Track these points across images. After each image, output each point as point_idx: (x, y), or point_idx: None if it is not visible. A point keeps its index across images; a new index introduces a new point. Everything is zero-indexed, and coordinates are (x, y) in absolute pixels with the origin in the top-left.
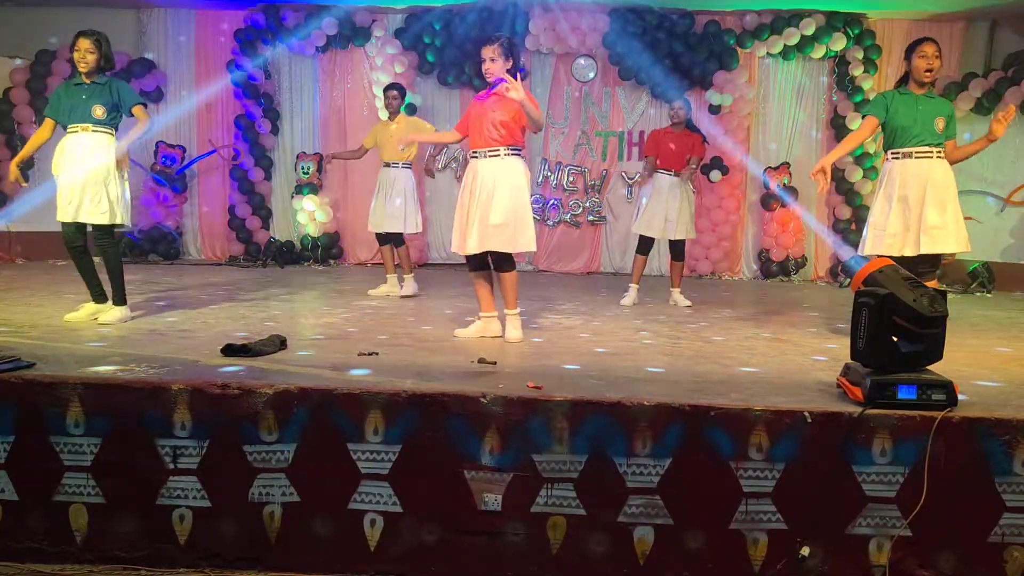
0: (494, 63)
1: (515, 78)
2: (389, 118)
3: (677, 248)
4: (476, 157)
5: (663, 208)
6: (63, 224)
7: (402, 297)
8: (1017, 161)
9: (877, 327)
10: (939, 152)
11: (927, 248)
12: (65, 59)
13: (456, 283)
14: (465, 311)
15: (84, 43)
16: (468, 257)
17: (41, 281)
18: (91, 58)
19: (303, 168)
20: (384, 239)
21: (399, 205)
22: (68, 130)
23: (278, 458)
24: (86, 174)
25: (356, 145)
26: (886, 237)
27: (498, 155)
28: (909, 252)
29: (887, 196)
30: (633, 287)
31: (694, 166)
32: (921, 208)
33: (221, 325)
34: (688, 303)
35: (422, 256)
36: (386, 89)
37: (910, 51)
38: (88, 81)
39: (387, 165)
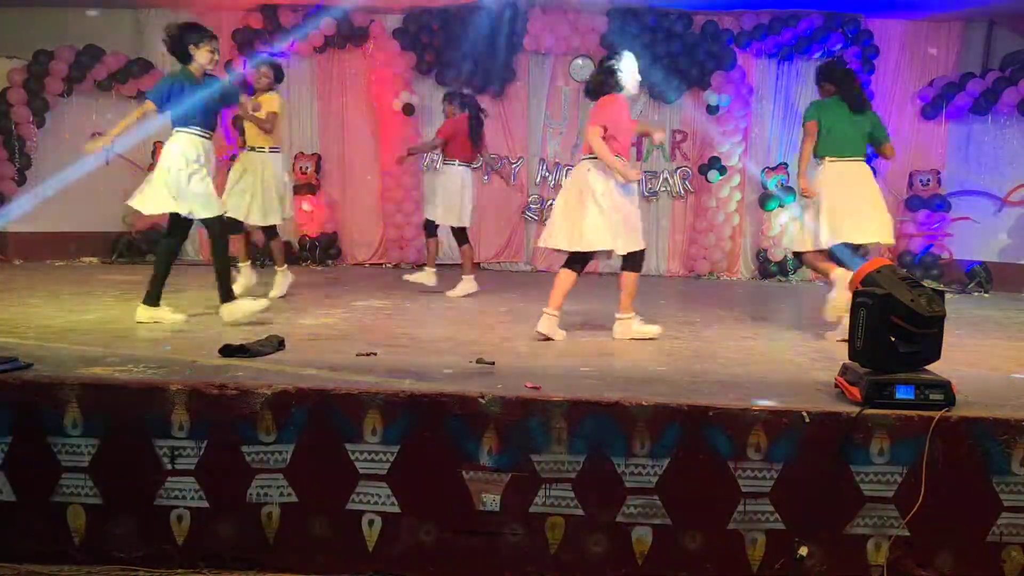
0: None
1: None
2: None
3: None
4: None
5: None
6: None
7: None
8: (1014, 161)
9: (875, 327)
10: (863, 159)
11: (859, 238)
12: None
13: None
14: (463, 312)
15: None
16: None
17: (39, 281)
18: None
19: (301, 168)
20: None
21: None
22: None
23: (276, 459)
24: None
25: (358, 146)
26: (829, 225)
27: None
28: (841, 239)
29: (827, 195)
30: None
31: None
32: (857, 204)
33: (219, 325)
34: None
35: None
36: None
37: (845, 75)
38: (201, 81)
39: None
